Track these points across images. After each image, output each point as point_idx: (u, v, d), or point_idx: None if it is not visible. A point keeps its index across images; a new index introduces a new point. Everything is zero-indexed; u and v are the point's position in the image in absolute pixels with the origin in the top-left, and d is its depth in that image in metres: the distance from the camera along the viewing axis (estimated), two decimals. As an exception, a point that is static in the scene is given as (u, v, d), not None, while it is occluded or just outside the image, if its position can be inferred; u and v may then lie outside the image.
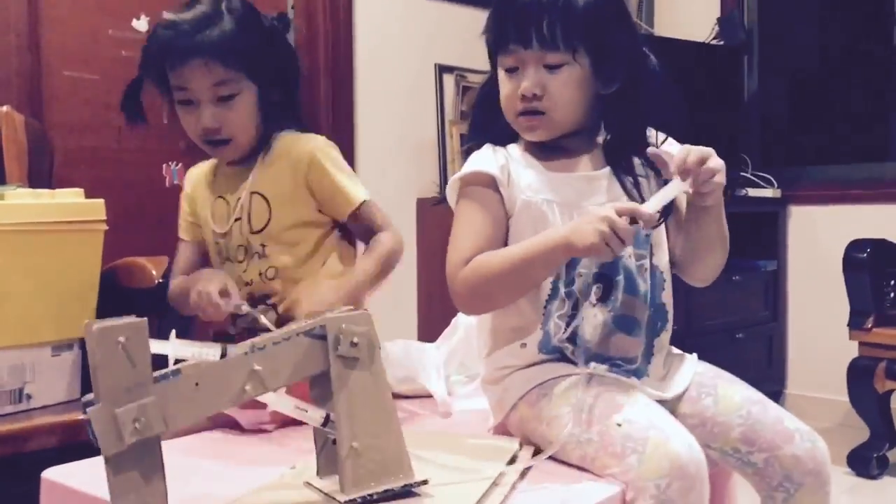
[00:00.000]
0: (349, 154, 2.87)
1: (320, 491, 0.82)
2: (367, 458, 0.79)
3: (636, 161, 1.09)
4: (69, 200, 1.56)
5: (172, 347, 0.78)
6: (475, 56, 3.10)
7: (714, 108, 3.05)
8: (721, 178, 0.99)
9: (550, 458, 0.97)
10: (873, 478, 2.47)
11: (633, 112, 1.08)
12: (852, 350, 2.52)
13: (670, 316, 1.09)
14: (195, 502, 0.85)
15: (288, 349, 0.79)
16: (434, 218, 2.95)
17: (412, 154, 3.00)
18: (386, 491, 0.80)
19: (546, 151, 1.09)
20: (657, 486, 0.85)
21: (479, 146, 1.10)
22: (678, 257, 1.11)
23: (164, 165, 2.47)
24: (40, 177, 1.92)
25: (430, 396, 1.28)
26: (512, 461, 0.95)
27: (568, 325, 1.03)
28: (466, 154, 1.12)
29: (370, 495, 0.79)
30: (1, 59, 2.13)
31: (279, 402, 0.82)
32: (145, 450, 0.72)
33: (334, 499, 0.79)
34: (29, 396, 1.51)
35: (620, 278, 1.03)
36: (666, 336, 1.10)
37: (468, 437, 1.07)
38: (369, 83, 2.90)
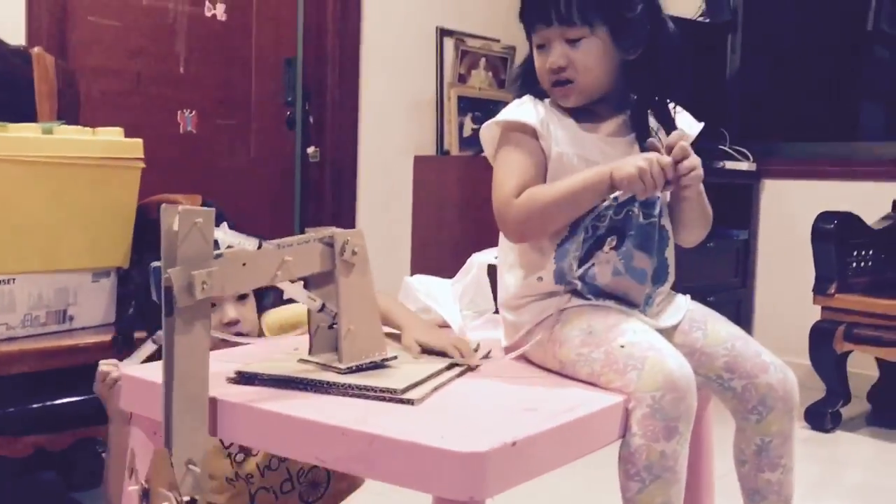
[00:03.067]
0: (353, 111, 2.99)
1: (316, 363, 1.05)
2: (358, 337, 1.03)
3: (654, 126, 1.20)
4: (110, 138, 1.68)
5: (223, 234, 0.97)
6: (475, 21, 3.23)
7: (697, 83, 3.20)
8: (699, 173, 1.13)
9: (563, 374, 1.12)
10: (827, 431, 2.68)
11: (653, 77, 1.19)
12: (813, 316, 2.71)
13: (671, 270, 1.24)
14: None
15: (308, 249, 1.02)
16: (430, 175, 3.09)
17: (412, 113, 3.13)
18: (370, 362, 1.04)
19: (577, 112, 1.20)
20: (653, 397, 0.99)
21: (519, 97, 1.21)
22: (674, 227, 1.25)
23: (179, 113, 2.58)
24: (68, 117, 2.02)
25: (446, 326, 1.43)
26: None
27: (580, 265, 1.17)
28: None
29: (359, 365, 1.03)
30: (31, 1, 2.21)
31: (295, 291, 1.03)
32: (202, 308, 0.92)
33: (333, 367, 1.02)
34: (71, 318, 1.64)
35: (634, 233, 1.17)
36: (666, 286, 1.24)
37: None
38: (374, 44, 3.01)
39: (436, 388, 0.99)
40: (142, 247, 1.77)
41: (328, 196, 2.97)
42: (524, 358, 1.21)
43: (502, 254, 1.25)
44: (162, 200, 1.81)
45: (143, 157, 1.69)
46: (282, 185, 2.89)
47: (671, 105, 1.23)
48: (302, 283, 1.04)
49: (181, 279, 0.89)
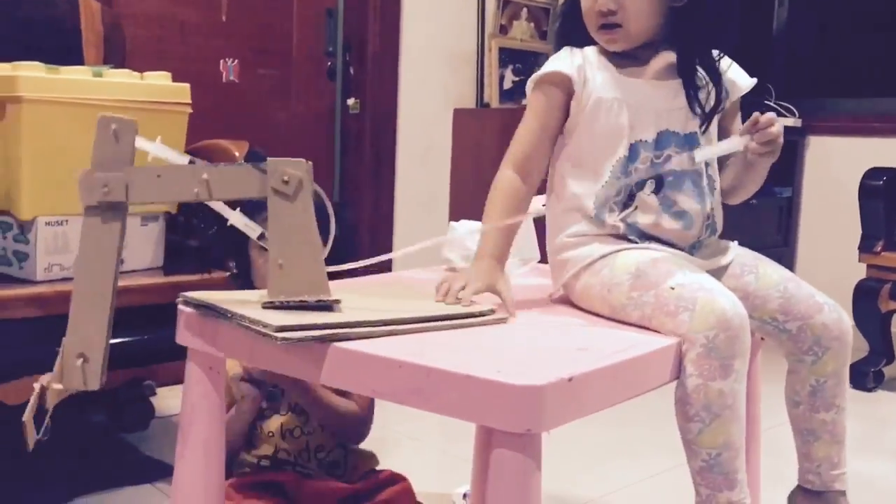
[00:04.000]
0: (394, 63, 2.97)
1: (260, 297, 1.01)
2: (290, 273, 0.97)
3: (700, 73, 1.20)
4: (158, 82, 1.68)
5: (154, 147, 0.97)
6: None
7: (744, 37, 3.14)
8: (781, 140, 1.14)
9: (614, 319, 1.12)
10: (869, 390, 2.65)
11: (700, 25, 1.18)
12: (855, 276, 2.68)
13: (719, 219, 1.23)
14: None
15: (236, 172, 0.98)
16: (469, 128, 3.07)
17: (452, 65, 3.10)
18: (301, 301, 0.97)
19: (620, 57, 1.21)
20: (706, 336, 0.98)
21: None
22: (722, 185, 1.25)
23: (221, 62, 2.58)
24: (115, 64, 2.03)
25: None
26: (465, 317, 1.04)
27: (624, 209, 1.17)
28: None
29: (287, 301, 0.97)
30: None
31: (233, 216, 1.01)
32: (111, 211, 0.94)
33: (264, 301, 0.98)
34: (122, 260, 1.66)
35: (673, 178, 1.16)
36: (713, 237, 1.23)
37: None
38: (415, -6, 2.99)
39: (317, 339, 0.91)
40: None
41: (367, 148, 2.97)
42: (572, 304, 1.21)
43: (549, 197, 1.25)
44: (211, 146, 1.83)
45: (190, 101, 1.70)
46: (322, 136, 2.89)
47: (722, 57, 1.22)
48: (239, 208, 1.02)
49: (87, 180, 0.93)
